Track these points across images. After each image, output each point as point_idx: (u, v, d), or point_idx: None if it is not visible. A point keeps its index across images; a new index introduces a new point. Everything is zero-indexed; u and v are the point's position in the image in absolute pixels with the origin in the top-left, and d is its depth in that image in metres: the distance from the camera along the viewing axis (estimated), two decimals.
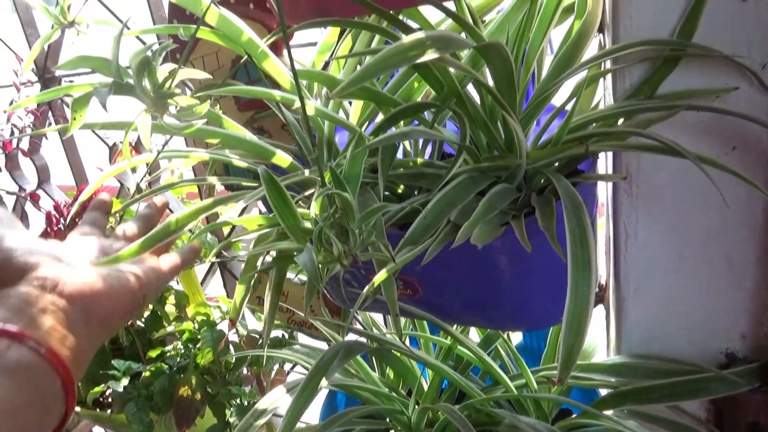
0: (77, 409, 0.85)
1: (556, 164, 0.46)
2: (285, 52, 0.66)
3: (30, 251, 0.40)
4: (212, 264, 0.96)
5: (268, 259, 0.50)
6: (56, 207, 0.90)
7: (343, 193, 0.31)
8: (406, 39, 0.28)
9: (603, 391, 0.60)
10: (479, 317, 0.53)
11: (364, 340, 0.58)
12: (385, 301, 0.53)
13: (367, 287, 0.39)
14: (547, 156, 0.44)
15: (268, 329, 0.41)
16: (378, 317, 0.91)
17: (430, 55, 0.27)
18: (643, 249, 0.47)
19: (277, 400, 0.51)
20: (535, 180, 0.47)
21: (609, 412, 0.51)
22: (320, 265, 0.31)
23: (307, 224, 0.34)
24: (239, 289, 0.43)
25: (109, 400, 0.84)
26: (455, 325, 0.60)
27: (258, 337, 0.77)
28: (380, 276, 0.38)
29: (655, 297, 0.48)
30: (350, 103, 0.58)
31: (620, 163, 0.46)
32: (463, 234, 0.39)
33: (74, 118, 0.28)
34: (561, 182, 0.39)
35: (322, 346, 0.77)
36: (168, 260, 0.47)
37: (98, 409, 0.84)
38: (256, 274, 0.47)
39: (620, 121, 0.44)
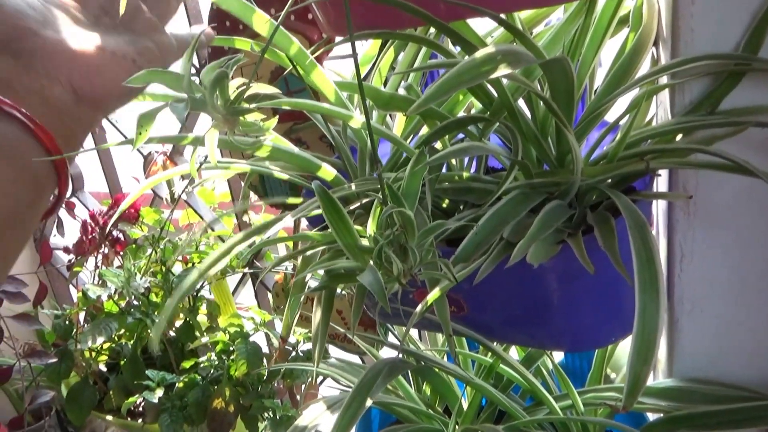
0: (108, 417, 0.85)
1: (609, 181, 0.45)
2: (325, 62, 0.66)
3: (18, 12, 0.35)
4: (244, 274, 0.96)
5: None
6: (92, 216, 0.91)
7: (406, 211, 0.30)
8: (478, 55, 0.27)
9: (650, 416, 0.59)
10: (523, 335, 0.52)
11: (401, 356, 0.57)
12: (428, 319, 0.52)
13: (420, 305, 0.38)
14: (602, 172, 0.43)
15: (320, 350, 0.40)
16: (413, 331, 0.90)
17: (503, 71, 0.27)
18: (700, 269, 0.46)
19: (317, 418, 0.51)
20: (587, 197, 0.45)
21: None
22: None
23: (364, 241, 0.33)
24: (287, 312, 0.43)
25: (141, 409, 0.84)
26: (495, 342, 0.59)
27: (292, 349, 0.76)
28: (433, 295, 0.38)
29: (712, 319, 0.47)
30: (391, 116, 0.58)
31: (677, 180, 0.45)
32: (519, 252, 0.38)
33: (140, 133, 0.28)
34: (621, 199, 0.38)
35: (355, 359, 0.76)
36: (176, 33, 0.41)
37: (129, 419, 0.84)
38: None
39: (679, 137, 0.42)
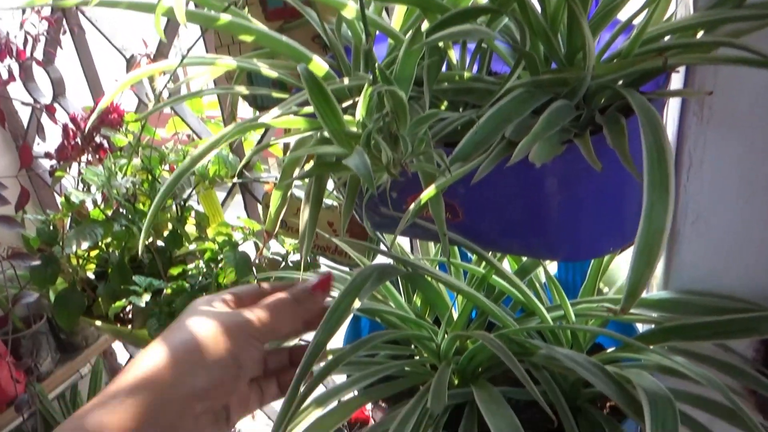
0: (97, 323, 0.85)
1: (620, 82, 0.42)
2: None
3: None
4: (233, 186, 0.93)
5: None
6: (73, 119, 0.87)
7: (398, 91, 0.27)
8: None
9: (640, 327, 0.58)
10: (519, 243, 0.51)
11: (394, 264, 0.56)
12: (420, 226, 0.50)
13: (413, 204, 0.36)
14: (616, 70, 0.39)
15: (307, 245, 0.38)
16: (404, 243, 0.89)
17: None
18: (708, 179, 0.44)
19: None
20: (596, 98, 0.42)
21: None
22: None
23: (352, 128, 0.31)
24: (275, 197, 0.41)
25: (130, 316, 0.83)
26: (489, 252, 0.58)
27: (281, 260, 0.75)
28: (428, 192, 0.35)
29: (715, 230, 0.45)
30: (388, 11, 0.54)
31: (693, 82, 0.42)
32: (522, 150, 0.36)
33: None
34: (635, 97, 0.35)
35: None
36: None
37: (119, 324, 0.84)
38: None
39: (700, 33, 0.39)
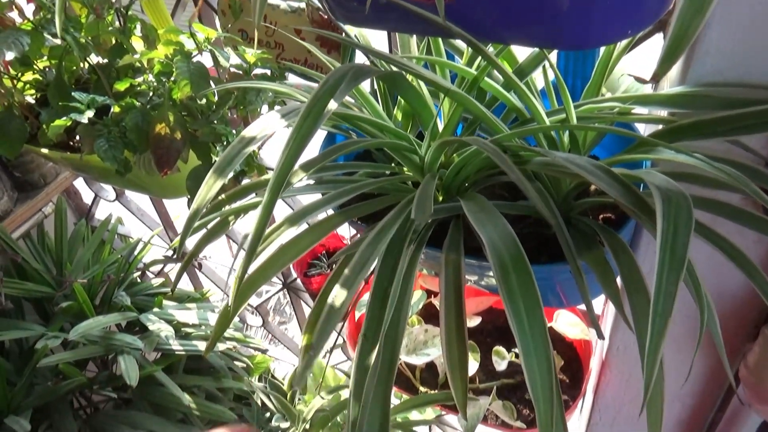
0: (44, 151, 0.77)
1: None
2: None
3: None
4: None
5: None
6: None
7: None
8: None
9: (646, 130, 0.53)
10: (516, 28, 0.43)
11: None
12: (398, 8, 0.42)
13: None
14: None
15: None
16: (382, 45, 0.79)
17: None
18: None
19: (268, 127, 0.43)
20: None
21: None
22: None
23: None
24: None
25: (79, 144, 0.76)
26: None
27: (243, 73, 0.66)
28: None
29: (744, 11, 0.38)
30: None
31: None
32: None
33: None
34: None
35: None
36: None
37: (69, 153, 0.76)
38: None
39: None
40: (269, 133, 0.42)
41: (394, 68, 0.45)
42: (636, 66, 0.56)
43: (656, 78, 0.26)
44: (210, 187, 0.42)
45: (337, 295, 0.40)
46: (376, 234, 0.44)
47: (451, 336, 0.47)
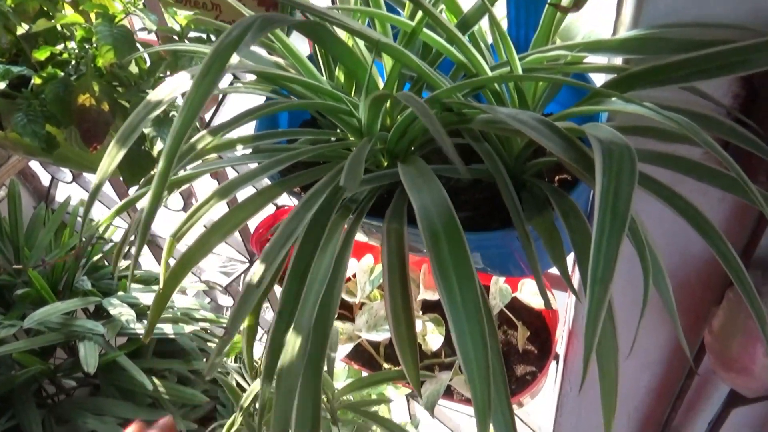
0: None
1: None
2: None
3: None
4: None
5: None
6: None
7: None
8: None
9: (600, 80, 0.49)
10: None
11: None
12: None
13: None
14: None
15: None
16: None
17: None
18: None
19: (176, 89, 0.39)
20: None
21: None
22: None
23: None
24: None
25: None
26: None
27: (175, 37, 0.61)
28: None
29: None
30: None
31: None
32: None
33: None
34: None
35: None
36: None
37: None
38: None
39: None
40: (176, 95, 0.38)
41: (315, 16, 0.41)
42: (592, 14, 0.52)
43: (578, 5, 0.22)
44: (113, 158, 0.38)
45: (255, 272, 0.36)
46: (302, 204, 0.40)
47: (397, 309, 0.44)
